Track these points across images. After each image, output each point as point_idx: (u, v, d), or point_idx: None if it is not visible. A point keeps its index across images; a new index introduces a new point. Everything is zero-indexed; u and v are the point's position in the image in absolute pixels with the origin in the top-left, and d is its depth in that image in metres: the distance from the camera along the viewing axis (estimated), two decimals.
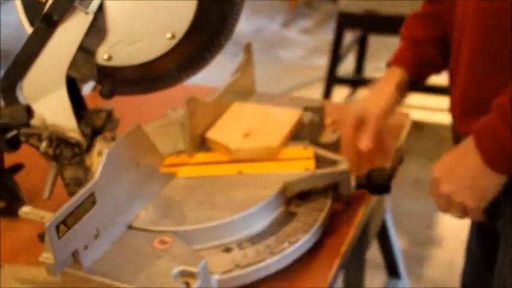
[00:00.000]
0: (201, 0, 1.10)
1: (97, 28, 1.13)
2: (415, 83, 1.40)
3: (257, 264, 1.08)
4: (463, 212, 1.15)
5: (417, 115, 2.03)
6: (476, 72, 1.16)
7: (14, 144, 1.27)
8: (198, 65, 1.16)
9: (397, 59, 1.39)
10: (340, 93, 3.60)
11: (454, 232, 2.25)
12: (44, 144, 1.20)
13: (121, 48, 1.14)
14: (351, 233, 1.23)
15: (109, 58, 1.15)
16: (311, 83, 3.93)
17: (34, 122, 1.22)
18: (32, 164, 1.41)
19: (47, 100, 1.19)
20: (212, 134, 1.31)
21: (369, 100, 1.36)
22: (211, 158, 1.29)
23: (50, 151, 1.21)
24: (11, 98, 1.22)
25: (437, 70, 1.40)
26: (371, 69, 3.78)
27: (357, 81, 3.63)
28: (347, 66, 3.68)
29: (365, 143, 1.31)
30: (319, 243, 1.19)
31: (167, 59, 1.13)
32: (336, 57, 3.25)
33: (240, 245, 1.12)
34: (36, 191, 1.34)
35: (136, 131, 1.12)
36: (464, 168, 1.11)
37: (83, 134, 1.21)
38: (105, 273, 1.02)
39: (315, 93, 3.56)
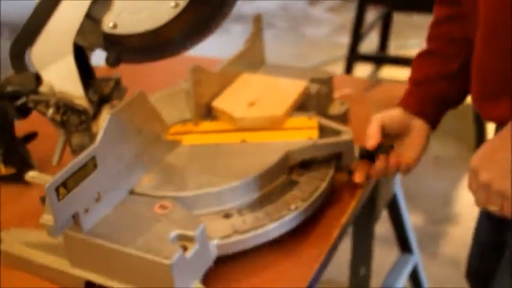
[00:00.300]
0: None
1: None
2: (432, 124, 1.30)
3: (256, 230, 1.10)
4: (501, 203, 1.07)
5: None
6: (489, 56, 1.13)
7: (24, 112, 1.29)
8: (202, 33, 1.17)
9: (403, 103, 1.30)
10: (363, 70, 3.59)
11: (471, 210, 2.24)
12: (50, 111, 1.22)
13: (126, 16, 1.15)
14: (352, 204, 1.24)
15: (114, 26, 1.16)
16: (335, 60, 3.92)
17: (43, 89, 1.23)
18: (44, 133, 1.44)
19: (55, 67, 1.21)
20: (218, 103, 1.33)
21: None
22: (216, 127, 1.31)
23: (57, 117, 1.23)
24: (20, 65, 1.24)
25: (453, 106, 1.31)
26: (395, 47, 3.76)
27: (380, 58, 3.61)
28: (371, 44, 3.67)
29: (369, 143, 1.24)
30: (320, 213, 1.20)
31: (171, 27, 1.13)
32: (358, 34, 3.24)
33: (239, 211, 1.13)
34: (46, 159, 1.36)
35: (139, 97, 1.14)
36: (503, 153, 1.04)
37: (90, 101, 1.22)
38: (105, 236, 1.04)
39: (338, 70, 3.56)
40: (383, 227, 2.19)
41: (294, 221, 1.13)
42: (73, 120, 1.23)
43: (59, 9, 1.16)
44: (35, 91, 1.24)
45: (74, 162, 1.02)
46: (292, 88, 1.35)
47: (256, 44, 1.46)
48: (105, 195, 1.09)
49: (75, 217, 1.04)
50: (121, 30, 1.16)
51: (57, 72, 1.21)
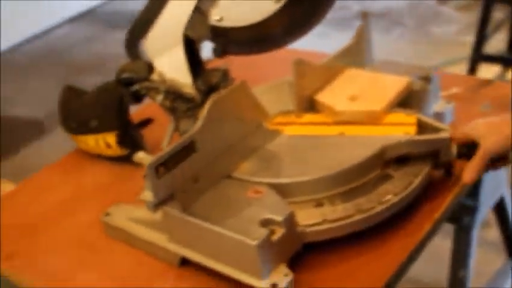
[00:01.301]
0: None
1: None
2: None
3: (345, 219, 1.12)
4: None
5: None
6: None
7: (138, 98, 1.38)
8: (304, 28, 1.21)
9: None
10: (490, 72, 3.50)
11: None
12: (160, 97, 1.29)
13: (231, 10, 1.20)
14: (447, 200, 1.23)
15: (221, 19, 1.22)
16: (460, 60, 3.83)
17: (154, 77, 1.31)
18: (160, 120, 1.53)
19: (166, 57, 1.28)
20: (320, 97, 1.36)
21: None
22: (317, 119, 1.34)
23: (167, 103, 1.31)
24: (134, 53, 1.32)
25: None
26: None
27: (508, 59, 3.50)
28: (500, 44, 3.56)
29: (468, 175, 1.21)
30: (413, 209, 1.21)
31: (273, 22, 1.18)
32: (483, 33, 3.16)
33: (331, 201, 1.16)
34: (158, 143, 1.45)
35: (241, 87, 1.19)
36: None
37: (198, 90, 1.29)
38: (200, 215, 1.11)
39: (462, 70, 3.48)
40: (492, 232, 2.16)
41: (384, 214, 1.15)
42: (181, 107, 1.30)
43: (170, 2, 1.24)
44: (147, 78, 1.32)
45: (175, 144, 1.09)
46: (395, 84, 1.36)
47: (362, 39, 1.47)
48: (203, 178, 1.15)
49: (173, 196, 1.11)
50: (227, 23, 1.22)
51: (168, 61, 1.28)
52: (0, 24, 4.31)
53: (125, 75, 1.34)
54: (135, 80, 1.34)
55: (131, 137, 1.49)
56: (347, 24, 4.35)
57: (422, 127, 1.28)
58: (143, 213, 1.21)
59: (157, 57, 1.29)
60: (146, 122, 1.63)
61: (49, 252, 1.27)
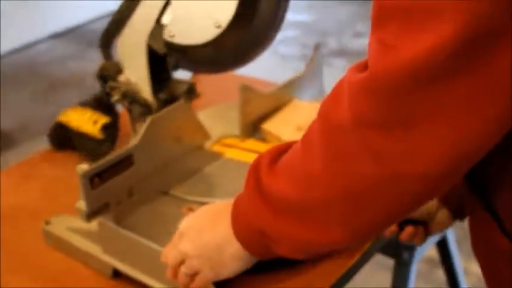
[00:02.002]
0: None
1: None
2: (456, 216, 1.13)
3: None
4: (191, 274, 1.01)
5: None
6: None
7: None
8: (247, 55, 1.27)
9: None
10: None
11: None
12: (116, 97, 1.38)
13: (181, 29, 1.26)
14: None
15: (172, 35, 1.28)
16: None
17: (121, 78, 1.38)
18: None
19: (131, 62, 1.35)
20: (266, 125, 1.40)
21: None
22: (260, 147, 1.38)
23: (125, 104, 1.39)
24: (107, 53, 1.41)
25: None
26: None
27: None
28: None
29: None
30: None
31: (215, 45, 1.24)
32: None
33: None
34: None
35: (181, 107, 1.23)
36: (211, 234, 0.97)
37: (156, 98, 1.35)
38: (133, 229, 1.14)
39: None
40: (440, 271, 2.20)
41: None
42: (135, 110, 1.37)
43: (138, 9, 1.30)
44: (114, 78, 1.39)
45: (112, 156, 1.13)
46: None
47: (313, 72, 1.52)
48: (138, 192, 1.19)
49: (107, 207, 1.14)
50: (177, 40, 1.28)
51: (133, 65, 1.35)
52: None
53: (101, 73, 1.42)
54: (108, 79, 1.41)
55: (113, 132, 1.51)
56: (325, 60, 4.42)
57: None
58: (80, 223, 1.23)
59: (125, 60, 1.36)
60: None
61: None
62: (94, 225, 1.18)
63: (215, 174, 1.29)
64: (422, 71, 0.67)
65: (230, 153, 1.35)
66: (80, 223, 1.25)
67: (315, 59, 1.52)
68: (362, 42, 4.80)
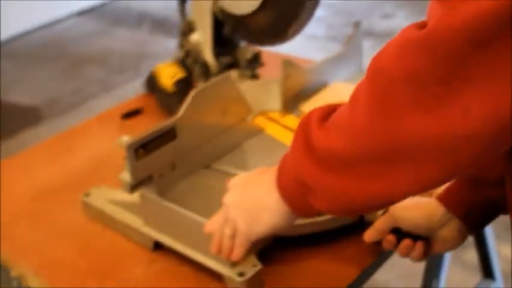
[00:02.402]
0: None
1: None
2: (472, 230, 1.07)
3: (317, 217, 1.15)
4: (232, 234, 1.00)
5: None
6: None
7: None
8: (283, 32, 1.33)
9: (447, 200, 1.05)
10: None
11: None
12: (182, 53, 1.49)
13: None
14: None
15: (226, 4, 1.35)
16: None
17: (193, 37, 1.47)
18: (147, 112, 1.60)
19: (199, 23, 1.44)
20: (305, 107, 1.38)
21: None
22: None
23: (188, 61, 1.48)
24: (182, 12, 1.51)
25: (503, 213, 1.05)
26: None
27: None
28: None
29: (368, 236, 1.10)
30: None
31: (258, 18, 1.29)
32: None
33: None
34: None
35: (225, 80, 1.23)
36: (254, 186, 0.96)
37: (218, 61, 1.42)
38: (175, 201, 1.14)
39: None
40: (469, 253, 2.18)
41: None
42: (197, 70, 1.45)
43: None
44: (185, 36, 1.49)
45: (156, 129, 1.12)
46: None
47: (352, 49, 1.51)
48: (181, 165, 1.18)
49: (150, 179, 1.14)
50: (230, 9, 1.35)
51: (200, 27, 1.44)
52: (9, 11, 4.37)
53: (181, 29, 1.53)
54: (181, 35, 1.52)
55: (184, 88, 1.54)
56: None
57: None
58: (121, 195, 1.24)
59: (195, 21, 1.45)
60: (135, 113, 1.67)
61: (28, 228, 1.30)
62: (134, 197, 1.18)
63: (254, 149, 1.29)
64: (483, 29, 0.66)
65: (270, 129, 1.34)
66: (120, 195, 1.25)
67: (354, 36, 1.51)
68: (390, 24, 4.76)
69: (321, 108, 0.87)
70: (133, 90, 3.73)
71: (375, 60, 0.77)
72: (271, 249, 1.15)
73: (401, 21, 4.82)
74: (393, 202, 0.86)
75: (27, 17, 4.53)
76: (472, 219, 1.05)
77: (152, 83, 1.66)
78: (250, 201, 0.95)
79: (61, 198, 1.37)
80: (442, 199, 1.05)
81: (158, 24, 4.56)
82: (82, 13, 4.90)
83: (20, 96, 3.78)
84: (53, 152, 1.54)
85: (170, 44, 4.45)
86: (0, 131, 3.32)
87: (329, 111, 0.85)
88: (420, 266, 1.71)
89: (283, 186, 0.89)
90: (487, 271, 1.94)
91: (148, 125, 1.57)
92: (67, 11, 4.81)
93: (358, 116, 0.78)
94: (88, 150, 1.53)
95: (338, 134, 0.81)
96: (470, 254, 2.13)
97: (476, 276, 2.05)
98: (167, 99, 1.57)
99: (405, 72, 0.72)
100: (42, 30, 4.66)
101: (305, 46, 3.94)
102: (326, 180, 0.83)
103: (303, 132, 0.86)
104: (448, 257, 1.71)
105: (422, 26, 0.72)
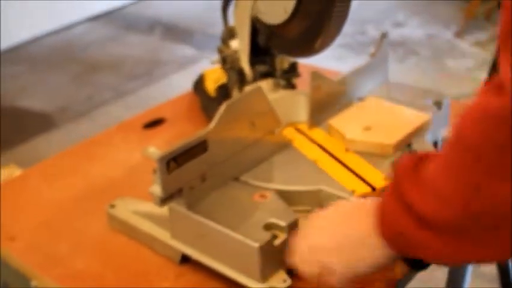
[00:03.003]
0: None
1: None
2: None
3: None
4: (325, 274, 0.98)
5: None
6: None
7: None
8: (311, 45, 1.33)
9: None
10: None
11: None
12: (218, 59, 1.49)
13: (264, 7, 1.34)
14: None
15: (260, 12, 1.35)
16: (472, 95, 3.86)
17: (232, 43, 1.46)
18: (170, 121, 1.58)
19: (238, 30, 1.43)
20: (334, 121, 1.35)
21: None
22: (326, 140, 1.33)
23: (224, 67, 1.48)
24: (224, 17, 1.50)
25: None
26: None
27: None
28: None
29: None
30: None
31: (287, 29, 1.30)
32: (494, 71, 3.17)
33: None
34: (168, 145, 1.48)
35: (256, 92, 1.21)
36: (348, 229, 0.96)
37: (254, 68, 1.42)
38: (204, 213, 1.12)
39: None
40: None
41: None
42: (232, 76, 1.45)
43: None
44: (225, 42, 1.49)
45: (187, 141, 1.11)
46: (413, 119, 1.34)
47: (379, 60, 1.49)
48: (211, 178, 1.16)
49: (180, 192, 1.12)
50: (263, 17, 1.36)
51: (239, 34, 1.44)
52: (20, 16, 4.36)
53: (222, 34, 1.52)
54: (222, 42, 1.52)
55: (225, 93, 1.54)
56: (365, 49, 4.38)
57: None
58: (148, 207, 1.22)
59: (236, 27, 1.45)
60: (157, 122, 1.66)
61: (50, 237, 1.28)
62: (162, 209, 1.16)
63: (281, 163, 1.26)
64: None
65: (297, 142, 1.32)
66: (146, 206, 1.24)
67: (381, 46, 1.49)
68: (402, 32, 4.75)
69: (411, 159, 0.88)
70: (146, 97, 3.74)
71: (458, 128, 0.80)
72: None
73: (412, 30, 4.81)
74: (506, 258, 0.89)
75: (38, 22, 4.53)
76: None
77: (198, 86, 1.67)
78: (346, 244, 0.95)
79: (85, 209, 1.35)
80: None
81: (170, 31, 4.56)
82: (93, 19, 4.90)
83: (31, 102, 3.77)
84: (74, 161, 1.53)
85: (183, 51, 4.49)
86: (12, 137, 3.32)
87: (419, 161, 0.87)
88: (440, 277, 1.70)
89: (387, 237, 0.90)
90: (505, 282, 1.92)
91: (171, 135, 1.58)
92: (78, 16, 4.81)
93: (448, 182, 0.80)
94: (110, 160, 1.51)
95: (430, 197, 0.83)
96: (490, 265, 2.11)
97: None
98: (208, 103, 1.57)
99: (489, 142, 0.75)
100: (54, 35, 4.65)
101: (321, 55, 3.92)
102: (428, 241, 0.84)
103: (397, 185, 0.87)
104: (470, 269, 1.69)
105: (498, 87, 0.74)
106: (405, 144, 1.30)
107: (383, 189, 0.93)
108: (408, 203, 0.84)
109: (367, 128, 1.33)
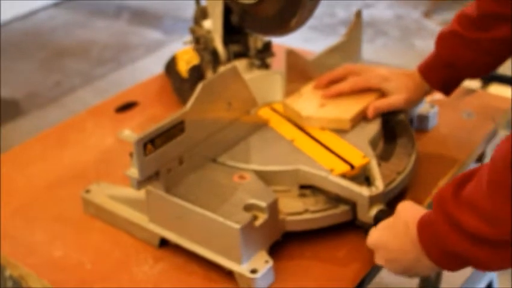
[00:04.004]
0: None
1: None
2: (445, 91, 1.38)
3: (327, 211, 1.13)
4: None
5: None
6: None
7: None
8: (285, 24, 1.29)
9: (426, 75, 1.36)
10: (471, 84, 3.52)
11: None
12: (191, 39, 1.49)
13: None
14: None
15: None
16: None
17: (205, 23, 1.46)
18: (142, 104, 1.54)
19: (211, 11, 1.42)
20: (289, 100, 1.34)
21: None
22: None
23: (198, 48, 1.47)
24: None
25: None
26: None
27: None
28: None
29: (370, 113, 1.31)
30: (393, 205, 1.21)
31: (261, 8, 1.27)
32: None
33: (314, 192, 1.16)
34: (141, 128, 1.45)
35: (231, 71, 1.19)
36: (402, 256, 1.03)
37: (227, 48, 1.41)
38: (182, 196, 1.10)
39: None
40: None
41: None
42: (205, 56, 1.43)
43: None
44: (197, 22, 1.48)
45: (163, 123, 1.09)
46: (367, 93, 1.34)
47: (353, 39, 1.48)
48: (188, 160, 1.15)
49: (157, 175, 1.11)
50: None
51: (211, 15, 1.42)
52: None
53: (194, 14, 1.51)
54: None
55: (197, 75, 1.52)
56: (333, 30, 4.37)
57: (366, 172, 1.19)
58: (124, 191, 1.21)
59: (208, 8, 1.43)
60: (129, 106, 1.63)
61: (25, 225, 1.26)
62: (139, 193, 1.14)
63: (258, 143, 1.25)
64: None
65: (274, 122, 1.31)
66: (122, 191, 1.22)
67: (356, 25, 1.48)
68: (371, 13, 4.75)
69: (454, 182, 0.93)
70: (115, 82, 3.69)
71: (502, 152, 0.84)
72: (279, 246, 1.13)
73: (381, 10, 4.81)
74: None
75: (3, 8, 4.44)
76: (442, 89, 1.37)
77: (170, 67, 1.65)
78: (405, 267, 1.02)
79: (59, 195, 1.33)
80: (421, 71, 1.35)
81: (137, 15, 4.50)
82: (58, 4, 4.82)
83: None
84: (46, 147, 1.50)
85: (151, 35, 4.43)
86: None
87: (463, 181, 0.92)
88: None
89: (437, 259, 0.95)
90: None
91: (143, 119, 1.56)
92: (42, 1, 4.73)
93: (488, 200, 0.86)
94: (83, 145, 1.49)
95: (476, 215, 0.88)
96: None
97: None
98: (180, 85, 1.55)
99: None
100: (19, 21, 4.57)
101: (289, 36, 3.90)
102: (480, 255, 0.89)
103: (441, 209, 0.92)
104: None
105: None
106: (361, 117, 1.31)
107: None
108: (456, 221, 0.90)
109: (322, 105, 1.33)
